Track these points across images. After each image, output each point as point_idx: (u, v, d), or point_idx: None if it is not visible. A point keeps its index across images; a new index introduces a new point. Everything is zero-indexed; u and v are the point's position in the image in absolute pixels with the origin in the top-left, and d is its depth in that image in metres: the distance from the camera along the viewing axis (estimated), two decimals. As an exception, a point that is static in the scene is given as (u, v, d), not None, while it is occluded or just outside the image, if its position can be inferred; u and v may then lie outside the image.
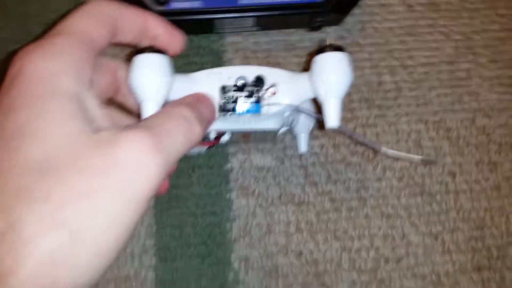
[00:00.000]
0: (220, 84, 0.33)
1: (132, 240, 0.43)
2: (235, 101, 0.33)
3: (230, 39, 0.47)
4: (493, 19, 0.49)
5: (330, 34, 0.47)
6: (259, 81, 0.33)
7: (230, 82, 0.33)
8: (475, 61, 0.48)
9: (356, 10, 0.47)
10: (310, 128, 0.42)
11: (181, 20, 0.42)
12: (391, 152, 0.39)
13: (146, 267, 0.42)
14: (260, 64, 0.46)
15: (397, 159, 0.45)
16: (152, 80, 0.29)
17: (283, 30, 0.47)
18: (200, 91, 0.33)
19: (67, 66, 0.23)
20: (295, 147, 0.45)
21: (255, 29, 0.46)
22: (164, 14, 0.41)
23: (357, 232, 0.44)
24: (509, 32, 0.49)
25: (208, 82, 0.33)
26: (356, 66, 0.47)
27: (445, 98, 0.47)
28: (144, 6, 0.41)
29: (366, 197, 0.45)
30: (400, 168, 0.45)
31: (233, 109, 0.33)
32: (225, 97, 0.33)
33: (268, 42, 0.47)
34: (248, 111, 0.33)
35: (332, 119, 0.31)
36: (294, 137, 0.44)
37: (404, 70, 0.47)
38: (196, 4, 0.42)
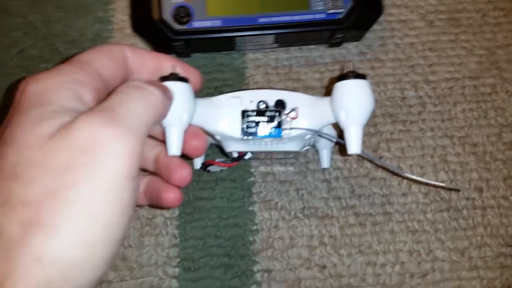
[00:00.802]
0: (241, 108, 0.33)
1: (156, 249, 0.43)
2: (256, 125, 0.33)
3: (251, 56, 0.48)
4: (517, 33, 0.49)
5: (351, 54, 0.48)
6: (280, 105, 0.34)
7: (252, 106, 0.34)
8: (499, 76, 0.48)
9: (376, 26, 0.48)
10: (333, 144, 0.42)
11: (202, 39, 0.44)
12: (413, 177, 0.39)
13: (169, 276, 0.43)
14: (281, 80, 0.47)
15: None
16: (175, 107, 0.30)
17: (303, 47, 0.48)
18: (221, 115, 0.33)
19: (57, 84, 0.25)
20: (318, 161, 0.45)
21: (276, 46, 0.48)
22: (186, 33, 0.43)
23: (382, 247, 0.43)
24: (533, 46, 0.48)
25: (230, 106, 0.34)
26: (379, 81, 0.47)
27: (470, 113, 0.47)
28: (167, 26, 0.43)
29: (391, 212, 0.44)
30: (426, 183, 0.45)
31: (255, 133, 0.33)
32: (246, 122, 0.33)
33: (288, 58, 0.48)
34: (269, 135, 0.33)
35: (354, 146, 0.31)
36: (316, 152, 0.45)
37: (428, 85, 0.47)
38: (217, 23, 0.43)
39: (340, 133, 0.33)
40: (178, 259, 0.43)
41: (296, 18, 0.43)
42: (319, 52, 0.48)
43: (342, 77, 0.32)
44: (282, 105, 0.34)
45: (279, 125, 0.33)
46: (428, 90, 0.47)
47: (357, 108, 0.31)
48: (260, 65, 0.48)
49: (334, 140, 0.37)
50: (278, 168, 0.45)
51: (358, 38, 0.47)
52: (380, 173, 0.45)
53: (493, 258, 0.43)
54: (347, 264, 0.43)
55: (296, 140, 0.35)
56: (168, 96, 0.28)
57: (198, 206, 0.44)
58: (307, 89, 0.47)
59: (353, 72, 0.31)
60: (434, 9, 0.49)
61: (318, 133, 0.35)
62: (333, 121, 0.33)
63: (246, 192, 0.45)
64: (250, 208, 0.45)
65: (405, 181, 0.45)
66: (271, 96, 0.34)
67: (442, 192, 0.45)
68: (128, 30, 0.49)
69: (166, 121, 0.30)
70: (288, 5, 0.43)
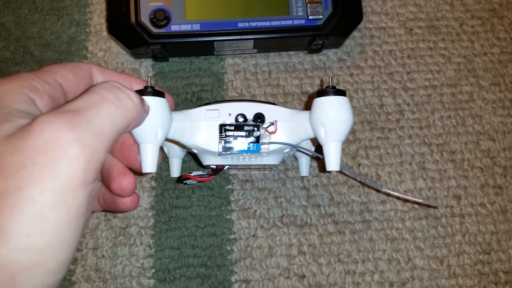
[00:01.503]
0: (219, 122, 0.32)
1: (130, 259, 0.42)
2: (234, 140, 0.32)
3: (230, 61, 0.48)
4: (493, 42, 0.49)
5: (330, 61, 0.48)
6: (258, 119, 0.33)
7: (230, 119, 0.33)
8: (477, 84, 0.48)
9: (355, 33, 0.48)
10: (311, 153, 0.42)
11: (180, 43, 0.43)
12: (392, 193, 0.39)
13: (143, 289, 0.41)
14: (260, 86, 0.47)
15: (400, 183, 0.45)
16: (151, 122, 0.28)
17: (282, 53, 0.48)
18: (199, 129, 0.32)
19: (11, 89, 0.24)
20: (297, 168, 0.44)
21: (255, 51, 0.47)
22: (163, 36, 0.42)
23: (361, 255, 0.43)
24: (509, 55, 0.49)
25: (207, 119, 0.32)
26: (357, 88, 0.47)
27: (448, 120, 0.47)
28: (144, 29, 0.42)
29: (370, 220, 0.44)
30: (404, 190, 0.45)
31: (233, 149, 0.32)
32: (224, 136, 0.32)
33: (268, 64, 0.48)
34: (248, 151, 0.32)
35: (333, 163, 0.31)
36: (295, 159, 0.44)
37: (406, 93, 0.47)
38: (195, 27, 0.42)
39: (318, 145, 0.32)
40: (153, 270, 0.42)
41: (276, 23, 0.42)
42: (298, 58, 0.48)
43: (322, 92, 0.31)
44: (261, 118, 0.33)
45: (257, 140, 0.32)
46: (407, 98, 0.47)
47: (336, 125, 0.30)
48: (239, 70, 0.47)
49: (312, 155, 0.36)
50: (256, 176, 0.45)
51: (337, 45, 0.47)
52: (349, 174, 0.45)
53: (471, 266, 0.43)
54: (326, 273, 0.42)
55: (275, 154, 0.35)
56: (144, 108, 0.27)
57: (174, 214, 0.43)
58: (286, 95, 0.46)
59: (333, 87, 0.31)
60: (413, 16, 0.49)
61: (296, 148, 0.34)
62: (312, 136, 0.32)
63: (224, 200, 0.44)
64: (228, 217, 0.44)
65: (377, 184, 0.45)
66: (249, 109, 0.33)
67: (421, 199, 0.45)
68: (105, 33, 0.48)
69: (141, 138, 0.29)
70: (268, 11, 0.42)
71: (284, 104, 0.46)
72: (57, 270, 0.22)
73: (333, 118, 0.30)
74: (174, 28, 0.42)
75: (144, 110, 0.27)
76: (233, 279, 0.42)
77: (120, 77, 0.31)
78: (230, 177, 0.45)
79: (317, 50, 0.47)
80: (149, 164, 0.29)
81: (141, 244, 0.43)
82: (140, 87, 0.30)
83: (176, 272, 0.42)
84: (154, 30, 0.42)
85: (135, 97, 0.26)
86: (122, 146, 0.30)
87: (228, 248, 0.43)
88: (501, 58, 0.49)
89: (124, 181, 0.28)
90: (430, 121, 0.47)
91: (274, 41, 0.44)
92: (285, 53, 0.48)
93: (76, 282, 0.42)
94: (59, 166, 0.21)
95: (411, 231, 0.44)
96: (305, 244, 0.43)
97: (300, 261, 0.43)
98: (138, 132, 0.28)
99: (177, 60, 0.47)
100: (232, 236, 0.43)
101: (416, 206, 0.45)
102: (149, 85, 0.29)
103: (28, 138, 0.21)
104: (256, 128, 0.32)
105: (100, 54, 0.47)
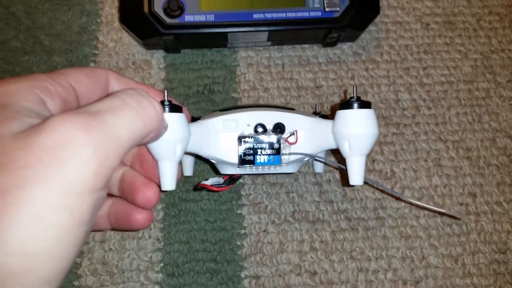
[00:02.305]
0: (238, 133, 0.31)
1: (138, 253, 0.41)
2: (254, 152, 0.31)
3: (243, 53, 0.47)
4: (511, 38, 0.48)
5: (346, 55, 0.47)
6: (279, 129, 0.31)
7: (249, 130, 0.31)
8: (493, 80, 0.47)
9: (371, 27, 0.47)
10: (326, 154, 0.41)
11: (194, 34, 0.42)
12: (414, 202, 0.38)
13: (152, 282, 0.40)
14: (273, 79, 0.46)
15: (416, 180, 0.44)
16: (169, 139, 0.27)
17: (296, 46, 0.47)
18: (217, 141, 0.31)
19: (23, 88, 0.23)
20: (310, 164, 0.44)
21: (269, 44, 0.46)
22: (177, 27, 0.41)
23: (374, 252, 0.42)
24: (528, 52, 0.48)
25: (225, 130, 0.31)
26: (373, 83, 0.46)
27: (464, 117, 0.46)
28: (157, 19, 0.41)
29: (384, 217, 0.43)
30: (419, 187, 0.44)
31: (253, 161, 0.31)
32: (244, 149, 0.31)
33: (281, 57, 0.47)
34: (268, 163, 0.31)
35: (357, 177, 0.30)
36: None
37: (422, 88, 0.47)
38: (209, 18, 0.42)
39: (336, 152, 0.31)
40: (162, 264, 0.41)
41: (292, 15, 0.42)
42: (313, 52, 0.47)
43: (346, 105, 0.29)
44: (281, 128, 0.31)
45: (277, 152, 0.31)
46: (422, 93, 0.46)
47: (361, 139, 0.29)
48: (252, 63, 0.46)
49: (335, 165, 0.35)
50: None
51: (353, 38, 0.46)
52: (373, 177, 0.44)
53: (486, 265, 0.42)
54: (338, 271, 0.41)
55: (294, 163, 0.33)
56: (164, 123, 0.27)
57: (184, 208, 0.43)
58: (300, 89, 0.46)
59: (357, 99, 0.29)
60: (430, 11, 0.48)
61: (317, 159, 0.33)
62: (334, 147, 0.31)
63: (234, 194, 0.43)
64: (239, 211, 0.43)
65: (398, 184, 0.44)
66: (269, 118, 0.31)
67: (436, 197, 0.44)
68: (116, 23, 0.47)
69: (160, 155, 0.28)
70: (284, 2, 0.42)
71: (297, 98, 0.45)
72: (52, 279, 0.20)
73: (358, 133, 0.29)
74: (188, 18, 0.41)
75: (163, 126, 0.26)
76: (243, 275, 0.41)
77: (137, 86, 0.30)
78: (242, 171, 0.44)
79: (332, 44, 0.46)
80: (168, 182, 0.28)
81: (149, 237, 0.42)
82: (157, 98, 0.29)
83: (185, 267, 0.41)
84: (168, 20, 0.41)
85: (158, 107, 0.25)
86: (142, 161, 0.30)
87: (238, 243, 0.42)
88: (519, 55, 0.48)
89: (149, 192, 0.28)
90: (446, 118, 0.46)
91: (289, 33, 0.43)
92: (299, 46, 0.47)
93: (82, 275, 0.41)
94: (67, 168, 0.19)
95: (426, 228, 0.43)
96: (317, 241, 0.42)
97: (311, 257, 0.42)
98: (157, 149, 0.28)
99: (189, 51, 0.47)
100: (243, 231, 0.42)
101: (430, 203, 0.44)
102: (166, 99, 0.28)
103: (38, 136, 0.20)
104: (276, 140, 0.31)
105: (111, 44, 0.47)
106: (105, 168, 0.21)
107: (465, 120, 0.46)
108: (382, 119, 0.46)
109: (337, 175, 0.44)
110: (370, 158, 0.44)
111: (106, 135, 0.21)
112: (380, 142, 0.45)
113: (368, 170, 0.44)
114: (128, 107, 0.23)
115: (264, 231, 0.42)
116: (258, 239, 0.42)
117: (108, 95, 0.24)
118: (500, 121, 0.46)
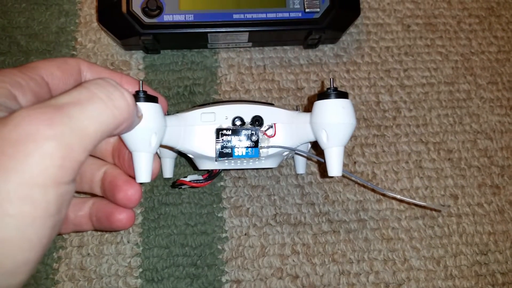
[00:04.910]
0: (216, 126, 0.31)
1: (116, 258, 0.40)
2: (232, 145, 0.30)
3: (224, 54, 0.46)
4: (491, 41, 0.49)
5: (327, 57, 0.47)
6: (257, 122, 0.31)
7: (227, 123, 0.31)
8: (474, 82, 0.47)
9: (352, 29, 0.47)
10: (308, 149, 0.41)
11: (173, 34, 0.41)
12: (398, 196, 0.38)
13: (130, 288, 0.40)
14: (255, 80, 0.45)
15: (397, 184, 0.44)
16: (144, 130, 0.27)
17: (278, 47, 0.47)
18: (194, 134, 0.30)
19: None
20: (292, 165, 0.43)
21: (250, 45, 0.46)
22: (155, 27, 0.41)
23: (356, 255, 0.42)
24: (507, 54, 0.48)
25: (203, 123, 0.31)
26: (354, 84, 0.46)
27: (445, 119, 0.46)
28: (135, 18, 0.40)
29: (366, 219, 0.43)
30: (400, 189, 0.44)
31: (231, 154, 0.30)
32: (221, 141, 0.30)
33: (263, 58, 0.46)
34: (246, 155, 0.31)
35: (335, 168, 0.30)
36: (292, 157, 0.43)
37: (403, 90, 0.46)
38: (189, 18, 0.41)
39: (315, 145, 0.31)
40: (141, 269, 0.40)
41: (272, 15, 0.41)
42: (294, 54, 0.47)
43: (323, 95, 0.29)
44: (259, 121, 0.31)
45: (256, 144, 0.31)
46: (403, 95, 0.46)
47: (339, 129, 0.29)
48: (233, 65, 0.46)
49: (313, 158, 0.34)
50: (249, 173, 0.43)
51: (334, 40, 0.46)
52: (354, 179, 0.44)
53: (468, 267, 0.42)
54: (320, 274, 0.41)
55: (274, 157, 0.33)
56: (138, 114, 0.26)
57: (164, 212, 0.42)
58: (281, 91, 0.45)
59: (334, 89, 0.29)
60: (411, 13, 0.49)
61: (296, 151, 0.32)
62: (312, 139, 0.31)
63: (215, 197, 0.43)
64: (220, 215, 0.42)
65: (379, 186, 0.44)
66: (247, 111, 0.31)
67: (417, 198, 0.44)
68: (95, 24, 0.46)
69: (134, 146, 0.27)
70: (265, 2, 0.41)
71: (279, 100, 0.45)
72: (14, 271, 0.20)
73: (335, 122, 0.29)
74: (167, 18, 0.41)
75: (137, 116, 0.26)
76: (223, 279, 0.40)
77: (110, 74, 0.30)
78: (222, 174, 0.43)
79: (313, 45, 0.46)
80: (143, 174, 0.28)
81: (128, 242, 0.41)
82: (131, 87, 0.28)
83: (165, 272, 0.40)
84: (146, 20, 0.40)
85: (129, 97, 0.24)
86: (119, 154, 0.29)
87: (219, 247, 0.41)
88: (499, 57, 0.48)
89: (130, 190, 0.28)
90: (427, 119, 0.46)
91: (269, 34, 0.43)
92: (281, 48, 0.47)
93: (59, 281, 0.40)
94: (29, 160, 0.19)
95: (407, 231, 0.43)
96: (298, 244, 0.42)
97: (293, 261, 0.41)
98: (131, 140, 0.27)
99: (169, 52, 0.46)
100: (224, 235, 0.42)
101: (412, 205, 0.44)
102: (141, 89, 0.27)
103: (3, 129, 0.19)
104: (254, 132, 0.31)
105: (89, 45, 0.46)
106: (70, 161, 0.20)
107: (446, 121, 0.46)
108: (363, 121, 0.45)
109: (319, 176, 0.44)
110: (352, 160, 0.44)
111: (70, 128, 0.20)
112: (361, 144, 0.45)
113: (349, 172, 0.44)
114: (96, 98, 0.22)
115: (245, 234, 0.42)
116: (239, 242, 0.41)
117: (77, 85, 0.23)
118: (481, 123, 0.46)
